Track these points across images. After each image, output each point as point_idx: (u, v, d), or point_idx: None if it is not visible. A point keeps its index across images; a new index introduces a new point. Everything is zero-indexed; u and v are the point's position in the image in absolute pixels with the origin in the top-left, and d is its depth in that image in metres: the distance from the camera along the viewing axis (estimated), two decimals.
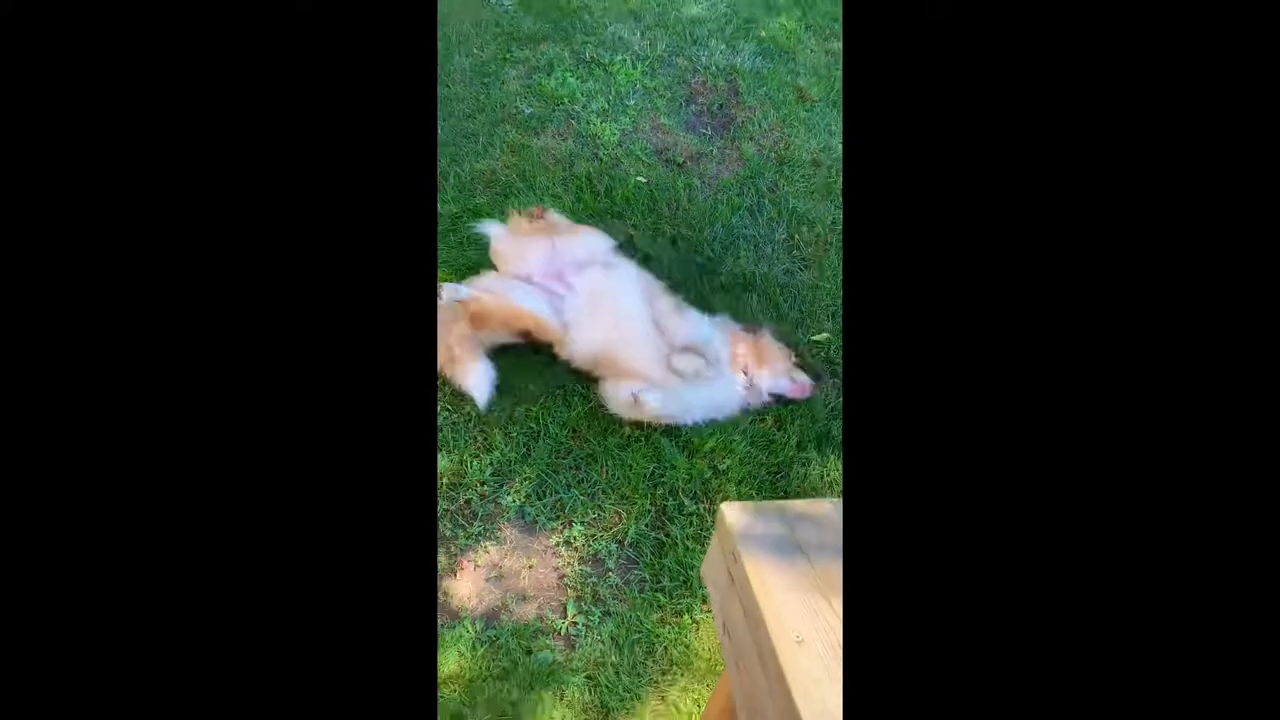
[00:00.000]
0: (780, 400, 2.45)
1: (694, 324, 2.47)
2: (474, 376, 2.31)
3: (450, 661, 1.91)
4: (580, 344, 2.38)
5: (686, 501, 2.21)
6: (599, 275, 2.47)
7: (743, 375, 2.42)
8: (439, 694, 1.86)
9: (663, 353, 2.39)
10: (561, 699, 1.88)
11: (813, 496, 2.25)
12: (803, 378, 2.47)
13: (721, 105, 3.32)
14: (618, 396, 2.30)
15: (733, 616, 0.88)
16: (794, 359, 2.50)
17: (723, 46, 3.51)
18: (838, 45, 3.62)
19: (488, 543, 2.12)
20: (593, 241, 2.61)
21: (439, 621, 1.99)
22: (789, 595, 0.80)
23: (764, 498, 2.23)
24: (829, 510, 0.94)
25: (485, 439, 2.30)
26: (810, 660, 0.71)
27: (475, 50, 3.48)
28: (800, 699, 0.67)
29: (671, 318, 2.46)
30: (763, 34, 3.59)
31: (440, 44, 3.48)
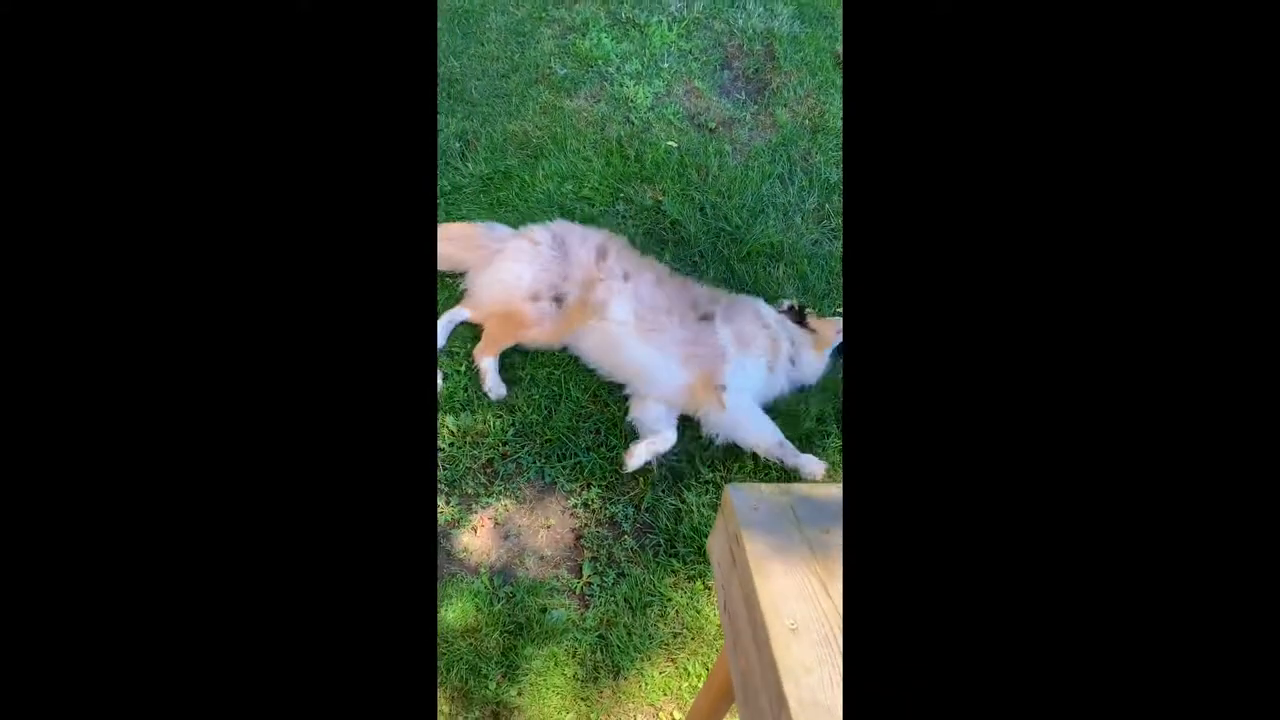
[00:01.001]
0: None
1: (735, 421, 2.23)
2: (490, 378, 2.30)
3: (467, 615, 1.95)
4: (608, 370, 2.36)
5: (703, 469, 2.21)
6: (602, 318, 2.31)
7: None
8: (456, 646, 1.91)
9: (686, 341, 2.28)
10: (574, 656, 1.92)
11: (831, 471, 2.24)
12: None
13: (757, 70, 3.24)
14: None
15: (733, 597, 0.88)
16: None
17: (760, 9, 3.42)
18: None
19: (507, 500, 2.15)
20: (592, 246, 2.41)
21: (457, 575, 2.02)
22: (786, 580, 0.79)
23: (778, 470, 2.22)
24: (834, 494, 0.93)
25: (508, 400, 2.31)
26: (803, 649, 0.71)
27: (511, 9, 3.42)
28: (789, 687, 0.66)
29: (706, 417, 2.25)
30: None
31: (477, 0, 3.43)
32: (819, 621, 0.74)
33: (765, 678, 0.71)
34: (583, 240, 2.41)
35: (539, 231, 2.43)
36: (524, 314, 2.32)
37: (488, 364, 2.30)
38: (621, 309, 2.29)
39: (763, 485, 0.95)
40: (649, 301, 2.31)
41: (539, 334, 2.34)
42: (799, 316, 2.41)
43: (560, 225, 2.47)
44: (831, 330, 2.41)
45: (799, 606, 0.76)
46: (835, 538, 0.85)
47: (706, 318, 2.32)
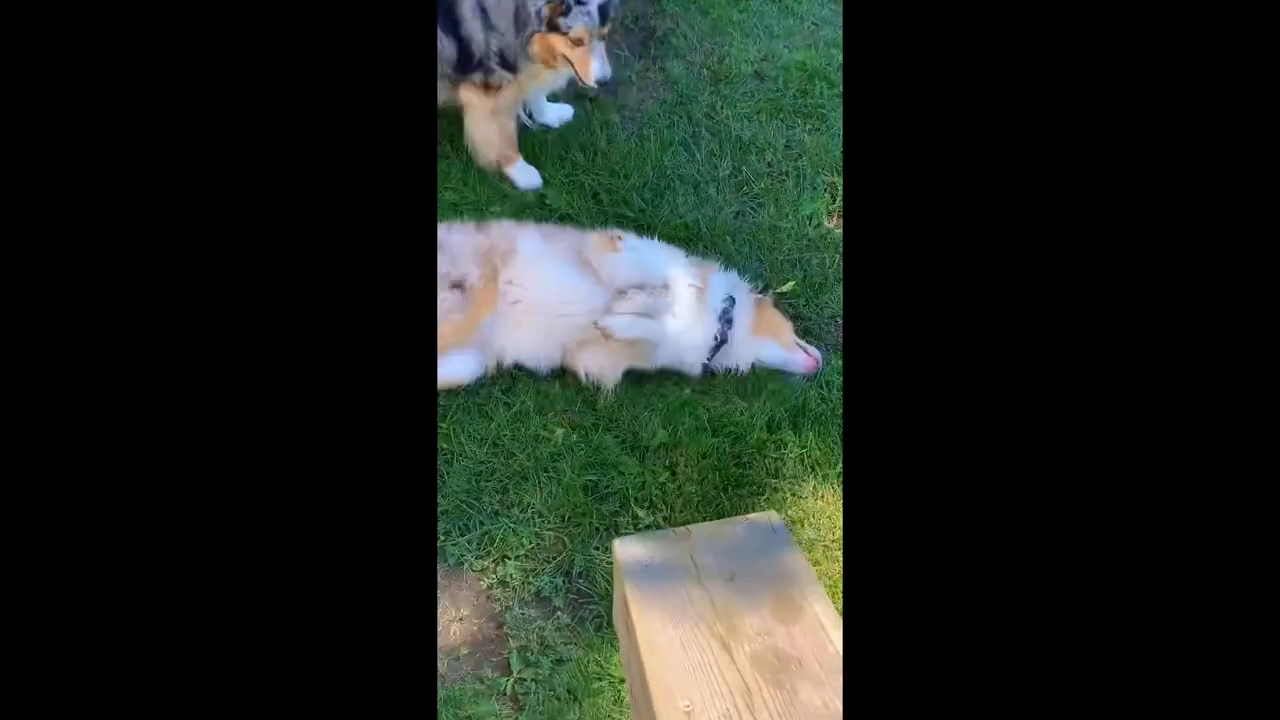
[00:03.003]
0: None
1: (634, 259, 2.49)
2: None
3: None
4: (527, 352, 2.45)
5: (641, 513, 2.22)
6: (509, 274, 2.46)
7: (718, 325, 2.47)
8: None
9: (602, 303, 2.41)
10: None
11: (790, 484, 2.28)
12: (813, 350, 2.50)
13: (637, 17, 3.27)
14: (596, 362, 2.41)
15: (631, 677, 0.88)
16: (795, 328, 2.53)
17: None
18: None
19: None
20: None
21: None
22: (682, 655, 0.79)
23: (730, 496, 2.25)
24: (739, 531, 0.93)
25: None
26: None
27: None
28: None
29: (602, 264, 2.46)
30: None
31: None
32: (720, 696, 0.74)
33: None
34: (448, 228, 2.50)
35: None
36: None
37: None
38: (529, 237, 2.48)
39: (657, 533, 0.95)
40: (550, 227, 2.54)
41: (453, 329, 2.35)
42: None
43: None
44: (785, 331, 2.50)
45: (695, 684, 0.75)
46: (742, 584, 0.86)
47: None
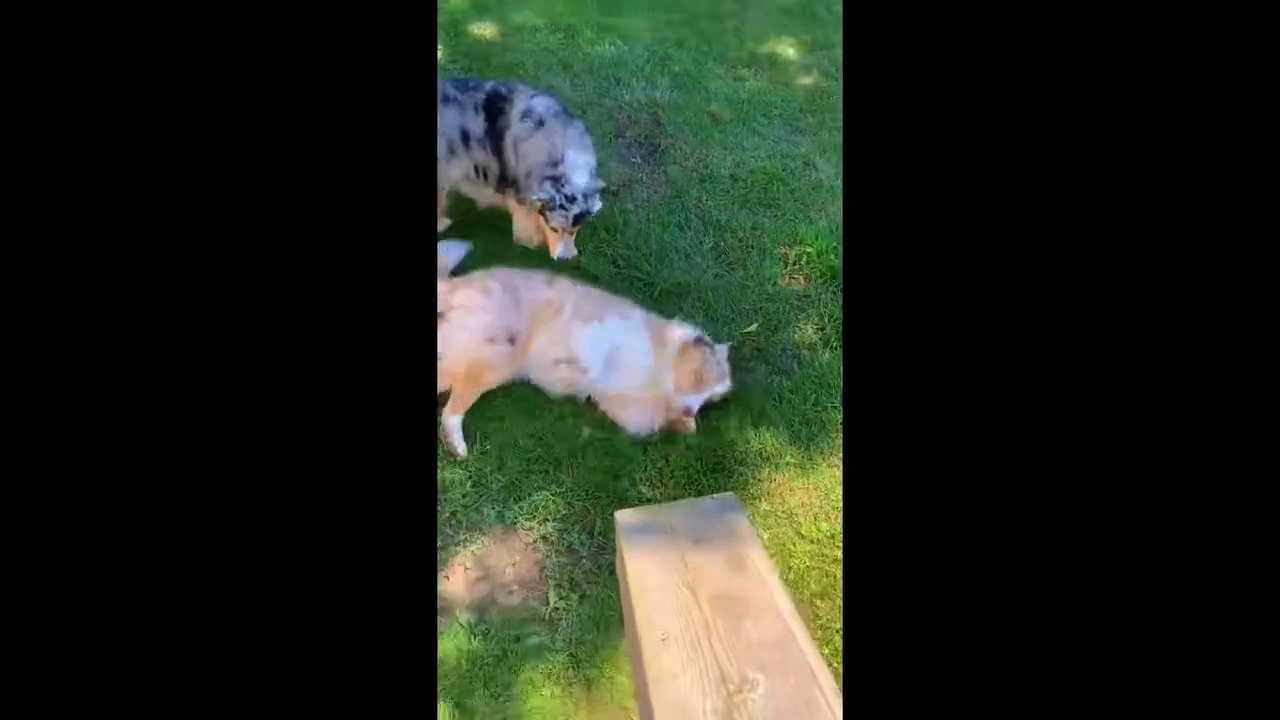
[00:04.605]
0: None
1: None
2: (455, 436, 2.25)
3: (448, 656, 1.90)
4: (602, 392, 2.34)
5: (644, 489, 2.20)
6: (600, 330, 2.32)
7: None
8: (441, 685, 1.85)
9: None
10: (549, 677, 1.87)
11: (754, 469, 2.25)
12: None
13: (647, 136, 3.29)
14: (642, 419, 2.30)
15: (626, 615, 0.87)
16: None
17: (642, 83, 3.48)
18: (742, 70, 3.60)
19: (474, 546, 2.11)
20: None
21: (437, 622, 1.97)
22: (661, 595, 0.78)
23: (709, 478, 2.23)
24: (706, 505, 0.92)
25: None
26: (670, 657, 0.70)
27: None
28: (655, 695, 0.65)
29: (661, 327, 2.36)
30: (675, 69, 3.56)
31: None
32: (688, 629, 0.73)
33: (641, 686, 0.70)
34: (527, 281, 2.40)
35: (488, 280, 2.36)
36: (485, 361, 2.24)
37: (454, 423, 2.23)
38: (571, 299, 2.37)
39: (649, 507, 0.93)
40: (598, 293, 2.43)
41: (497, 376, 2.27)
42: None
43: (502, 272, 2.43)
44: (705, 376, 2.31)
45: (671, 619, 0.74)
46: (702, 547, 0.84)
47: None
